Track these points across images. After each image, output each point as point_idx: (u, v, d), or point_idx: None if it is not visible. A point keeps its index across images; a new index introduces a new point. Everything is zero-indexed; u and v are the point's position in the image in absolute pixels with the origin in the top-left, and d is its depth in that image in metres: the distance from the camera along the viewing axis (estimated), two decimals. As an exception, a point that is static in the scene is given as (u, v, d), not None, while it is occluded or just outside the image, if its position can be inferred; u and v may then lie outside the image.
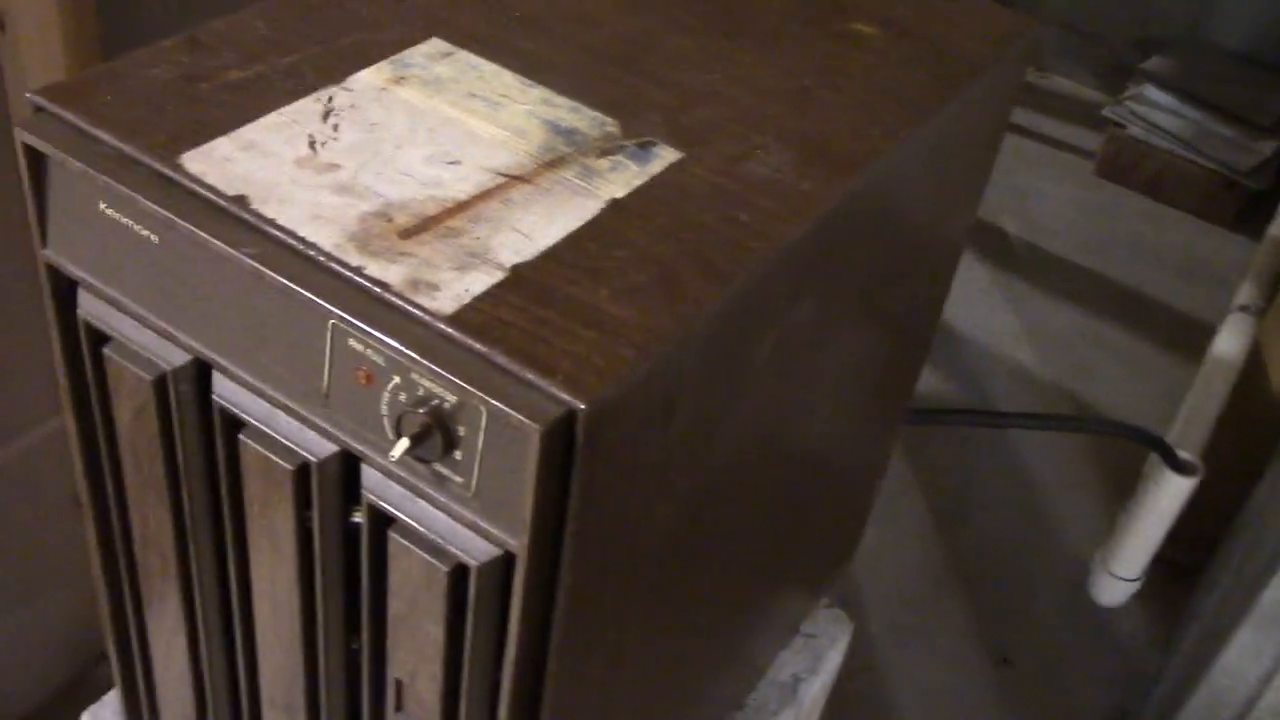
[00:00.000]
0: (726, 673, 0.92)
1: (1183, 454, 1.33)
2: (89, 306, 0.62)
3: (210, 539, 0.67)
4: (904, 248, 0.79)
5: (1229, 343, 1.57)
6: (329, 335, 0.53)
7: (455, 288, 0.52)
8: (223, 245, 0.54)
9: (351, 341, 0.52)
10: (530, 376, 0.49)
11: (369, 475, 0.56)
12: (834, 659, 1.07)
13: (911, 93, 0.72)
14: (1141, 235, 2.68)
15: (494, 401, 0.49)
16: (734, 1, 0.77)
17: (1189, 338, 2.31)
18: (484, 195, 0.58)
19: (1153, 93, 2.72)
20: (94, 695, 0.92)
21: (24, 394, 1.34)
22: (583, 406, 0.48)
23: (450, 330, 0.50)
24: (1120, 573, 1.44)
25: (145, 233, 0.57)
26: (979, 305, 2.39)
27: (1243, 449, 1.67)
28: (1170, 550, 1.78)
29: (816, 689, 1.05)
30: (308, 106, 0.61)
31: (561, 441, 0.49)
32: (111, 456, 0.68)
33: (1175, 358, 2.33)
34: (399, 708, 0.64)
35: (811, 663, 1.04)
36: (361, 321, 0.51)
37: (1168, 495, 1.33)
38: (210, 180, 0.56)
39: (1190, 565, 1.85)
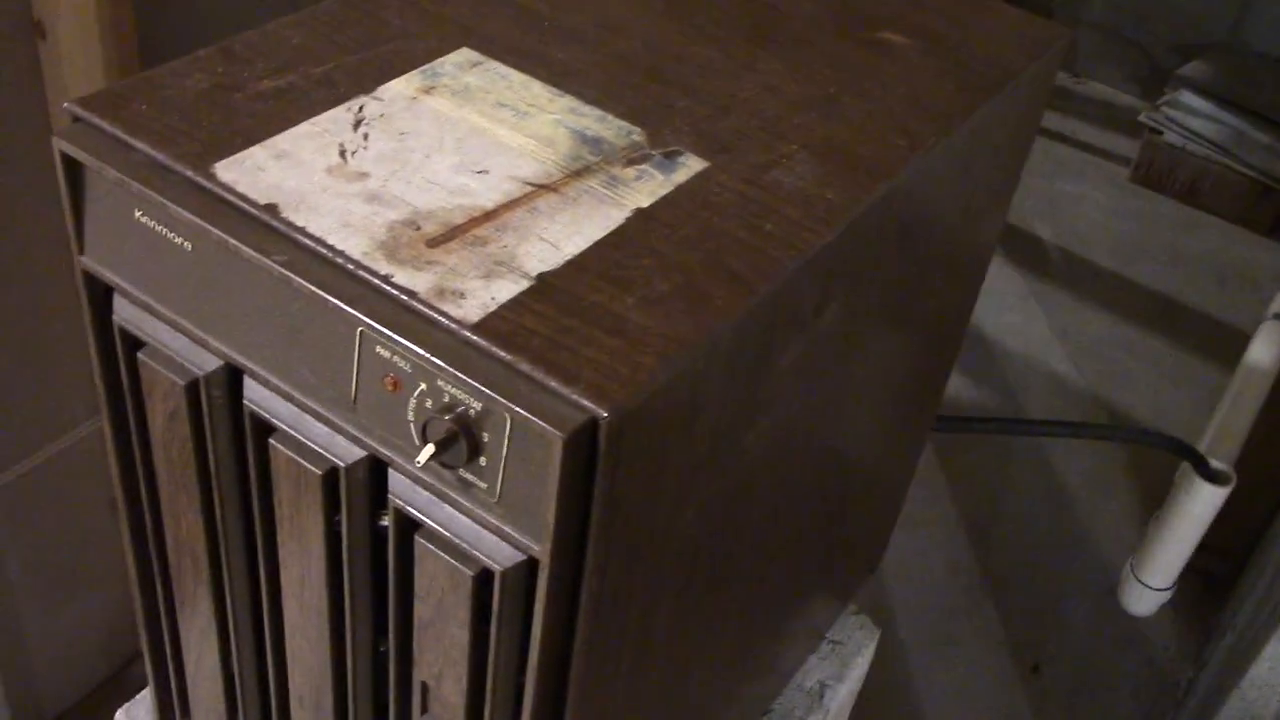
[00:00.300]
0: (753, 678, 0.93)
1: (1215, 463, 1.32)
2: (124, 312, 0.63)
3: (241, 541, 0.68)
4: (931, 255, 0.79)
5: (1263, 351, 1.55)
6: (357, 342, 0.54)
7: (481, 296, 0.53)
8: (253, 253, 0.55)
9: (379, 348, 0.53)
10: (554, 384, 0.50)
11: (396, 480, 0.57)
12: (861, 666, 1.07)
13: (939, 101, 0.72)
14: (1177, 242, 2.66)
15: (518, 409, 0.49)
16: (763, 11, 0.78)
17: (1224, 345, 2.30)
18: (511, 204, 0.58)
19: (1189, 98, 2.70)
20: (129, 694, 0.93)
21: (63, 398, 1.36)
22: (605, 414, 0.49)
23: (476, 338, 0.51)
24: (1151, 582, 1.43)
25: (179, 240, 0.58)
26: (1013, 312, 2.38)
27: (1276, 459, 1.65)
28: (1203, 560, 1.77)
29: (843, 695, 1.05)
30: (339, 116, 0.62)
31: (584, 449, 0.50)
32: (146, 460, 0.69)
33: (1210, 365, 2.31)
34: (424, 710, 0.65)
35: (838, 669, 1.04)
36: (389, 329, 0.52)
37: (1199, 504, 1.32)
38: (242, 189, 0.57)
39: (1223, 576, 1.84)
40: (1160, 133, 2.72)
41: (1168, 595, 1.48)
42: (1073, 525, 1.97)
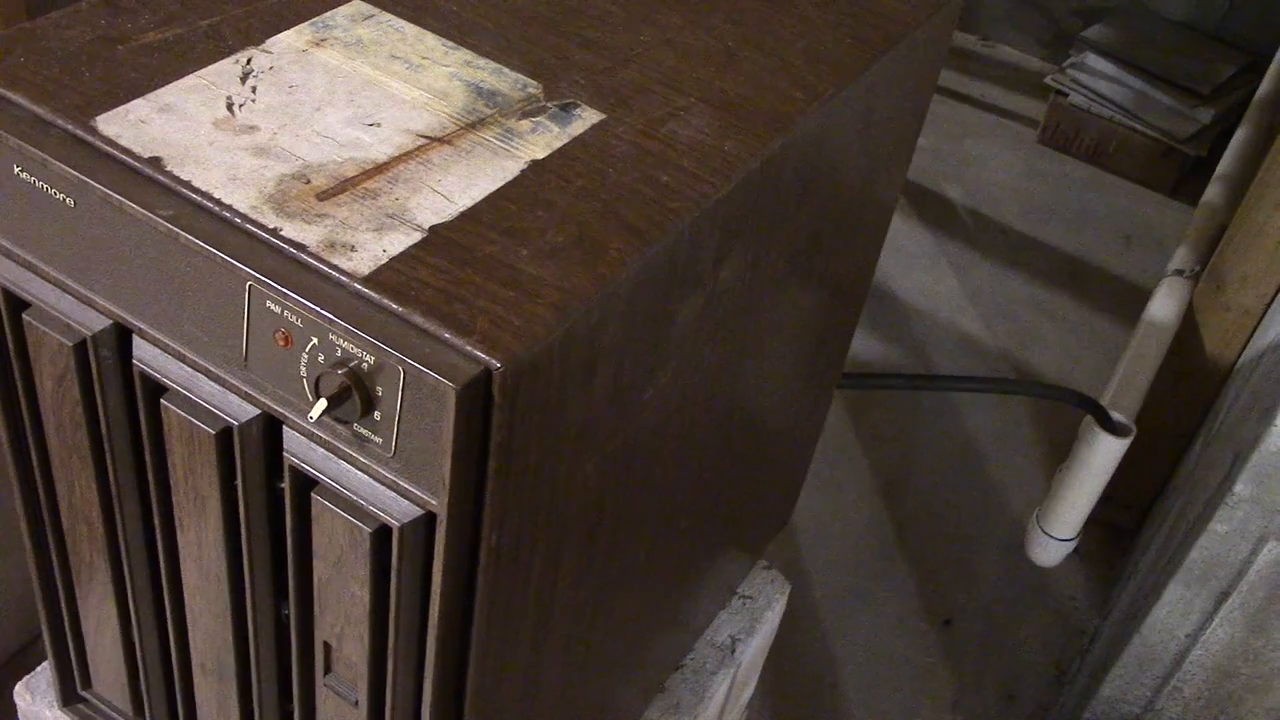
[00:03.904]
0: (663, 633, 0.93)
1: (1116, 415, 1.35)
2: (6, 272, 0.62)
3: (137, 506, 0.67)
4: (832, 209, 0.79)
5: (1163, 307, 1.59)
6: (247, 297, 0.53)
7: (373, 249, 0.52)
8: (138, 208, 0.53)
9: (269, 303, 0.52)
10: (447, 336, 0.49)
11: (291, 438, 0.56)
12: (771, 620, 1.08)
13: (837, 55, 0.72)
14: (1083, 202, 2.71)
15: (411, 361, 0.49)
16: (661, -36, 0.77)
17: (1129, 303, 2.34)
18: (403, 157, 0.57)
19: (1094, 61, 2.74)
20: (31, 667, 0.91)
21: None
22: (499, 365, 0.48)
23: (367, 291, 0.51)
24: (1056, 533, 1.46)
25: (60, 196, 0.56)
26: (923, 272, 2.41)
27: (1177, 411, 1.70)
28: (1107, 512, 1.81)
29: (754, 650, 1.06)
30: (226, 68, 0.61)
31: (479, 401, 0.49)
32: (35, 425, 0.67)
33: (1116, 322, 2.36)
34: (328, 670, 0.64)
35: (749, 624, 1.05)
36: (278, 283, 0.51)
37: (1101, 456, 1.35)
38: (125, 142, 0.55)
39: (1128, 527, 1.89)
40: (1065, 95, 2.76)
41: (1072, 546, 1.51)
42: (982, 480, 2.00)
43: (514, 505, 0.55)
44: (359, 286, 0.51)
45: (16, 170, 0.57)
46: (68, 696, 0.83)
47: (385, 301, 0.50)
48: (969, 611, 1.80)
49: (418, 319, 0.50)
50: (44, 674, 0.90)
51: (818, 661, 1.70)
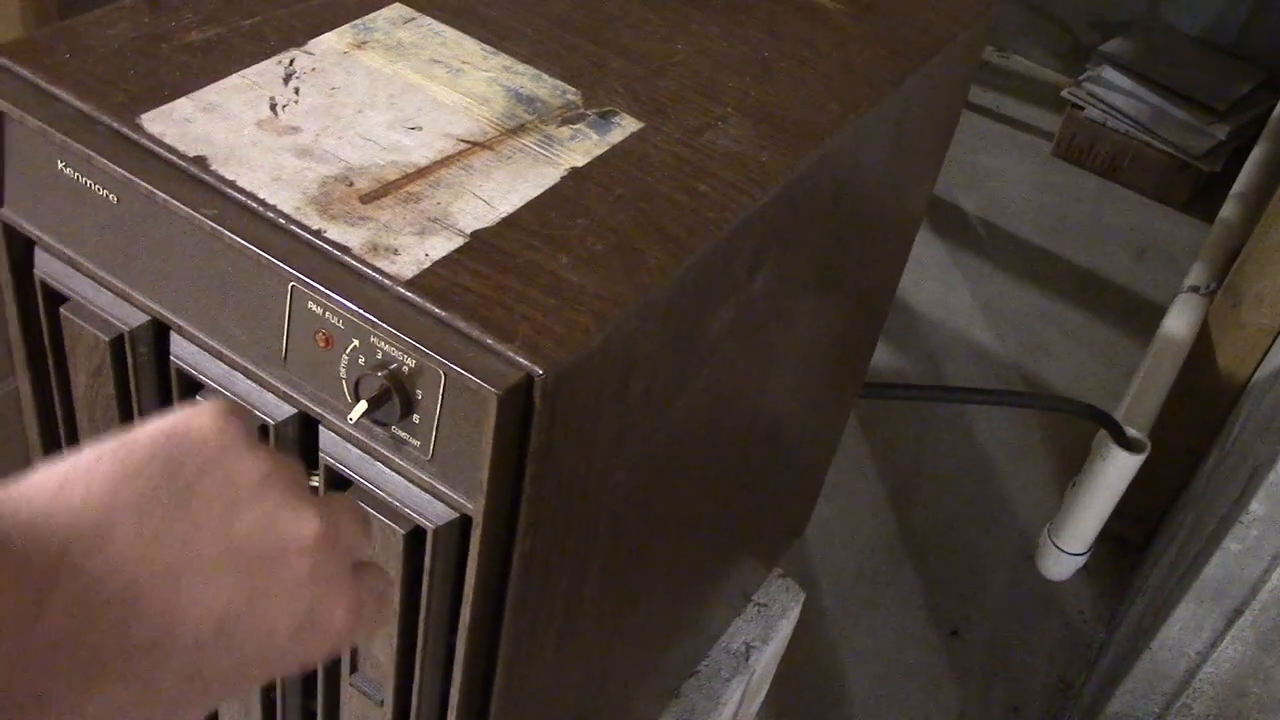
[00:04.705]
0: (680, 639, 0.93)
1: (1130, 431, 1.35)
2: (46, 266, 0.62)
3: (166, 501, 0.67)
4: (862, 220, 0.79)
5: (1178, 322, 1.59)
6: (288, 297, 0.53)
7: (415, 252, 0.53)
8: (182, 206, 0.54)
9: (311, 304, 0.52)
10: (489, 341, 0.50)
11: (327, 438, 0.56)
12: (785, 628, 1.08)
13: (872, 67, 0.72)
14: (1097, 216, 2.71)
15: (452, 365, 0.49)
16: (697, -27, 0.78)
17: (1142, 317, 2.35)
18: (445, 161, 0.58)
19: (1110, 75, 2.74)
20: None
21: (-24, 356, 1.33)
22: (540, 372, 0.49)
23: (409, 294, 0.51)
24: (1067, 547, 1.46)
25: (104, 192, 0.57)
26: (937, 283, 2.41)
27: (1190, 427, 1.70)
28: (1118, 527, 1.81)
29: (768, 656, 1.06)
30: (269, 69, 0.61)
31: (519, 407, 0.50)
32: (67, 419, 0.68)
33: (1127, 336, 2.36)
34: (354, 670, 0.64)
35: (763, 631, 1.05)
36: (321, 284, 0.51)
37: (1114, 471, 1.35)
38: (169, 140, 0.56)
39: (1138, 542, 1.89)
40: (1081, 108, 2.76)
41: (1083, 560, 1.51)
42: (992, 492, 2.00)
43: (548, 510, 0.55)
44: (401, 290, 0.51)
45: (60, 166, 0.57)
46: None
47: (428, 305, 0.51)
48: (976, 622, 1.80)
49: (460, 323, 0.50)
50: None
51: (825, 669, 1.70)
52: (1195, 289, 1.66)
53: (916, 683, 1.71)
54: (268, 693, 0.71)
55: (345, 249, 0.52)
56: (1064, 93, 2.81)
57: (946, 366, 2.21)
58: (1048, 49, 3.16)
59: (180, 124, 0.57)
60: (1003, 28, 3.18)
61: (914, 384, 2.09)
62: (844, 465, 1.98)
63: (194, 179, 0.55)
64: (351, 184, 0.55)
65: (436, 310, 0.50)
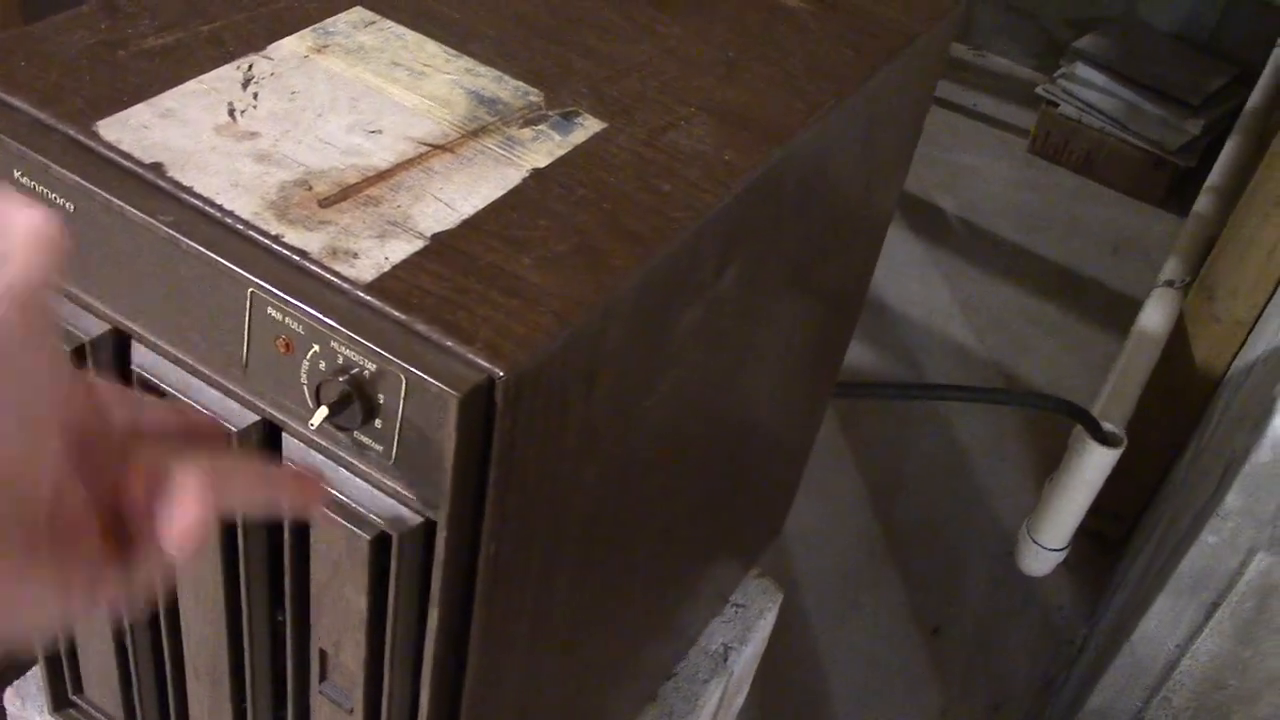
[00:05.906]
0: (657, 642, 0.93)
1: (1107, 426, 1.36)
2: (5, 276, 0.61)
3: (132, 511, 0.67)
4: (830, 219, 0.79)
5: (1154, 318, 1.60)
6: (248, 303, 0.52)
7: (375, 256, 0.52)
8: (139, 213, 0.53)
9: (270, 310, 0.52)
10: (449, 344, 0.49)
11: (290, 444, 0.56)
12: (764, 628, 1.08)
13: (836, 65, 0.72)
14: (1074, 212, 2.72)
15: (413, 369, 0.49)
16: (661, -27, 0.78)
17: (1119, 313, 2.35)
18: (405, 164, 0.57)
19: (1085, 71, 2.75)
20: (22, 670, 0.91)
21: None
22: (502, 374, 0.48)
23: (369, 298, 0.50)
24: (1047, 543, 1.47)
25: (61, 201, 0.56)
26: (914, 281, 2.41)
27: (1167, 421, 1.70)
28: (1097, 522, 1.82)
29: (746, 658, 1.06)
30: (228, 74, 0.61)
31: (481, 409, 0.49)
32: (31, 428, 0.67)
33: (1105, 332, 2.37)
34: (323, 678, 0.64)
35: (742, 632, 1.05)
36: (280, 289, 0.51)
37: (1091, 466, 1.36)
38: (126, 147, 0.55)
39: (1117, 537, 1.89)
40: (1056, 105, 2.77)
41: (1062, 556, 1.52)
42: (971, 490, 2.01)
43: (514, 514, 0.55)
44: (361, 294, 0.51)
45: (17, 175, 0.57)
46: (58, 702, 0.83)
47: (387, 309, 0.50)
48: (957, 620, 1.81)
49: (420, 327, 0.50)
50: (34, 679, 0.90)
51: (806, 670, 1.70)
52: (1170, 283, 1.67)
53: (898, 681, 1.71)
54: (238, 703, 0.70)
55: (304, 253, 0.52)
56: (1039, 89, 2.82)
57: (925, 365, 2.22)
58: (1023, 47, 3.17)
59: (137, 130, 0.56)
60: (978, 26, 3.19)
61: (890, 382, 2.09)
62: (823, 464, 1.99)
63: (151, 186, 0.54)
64: (311, 188, 0.55)
65: (396, 313, 0.50)
